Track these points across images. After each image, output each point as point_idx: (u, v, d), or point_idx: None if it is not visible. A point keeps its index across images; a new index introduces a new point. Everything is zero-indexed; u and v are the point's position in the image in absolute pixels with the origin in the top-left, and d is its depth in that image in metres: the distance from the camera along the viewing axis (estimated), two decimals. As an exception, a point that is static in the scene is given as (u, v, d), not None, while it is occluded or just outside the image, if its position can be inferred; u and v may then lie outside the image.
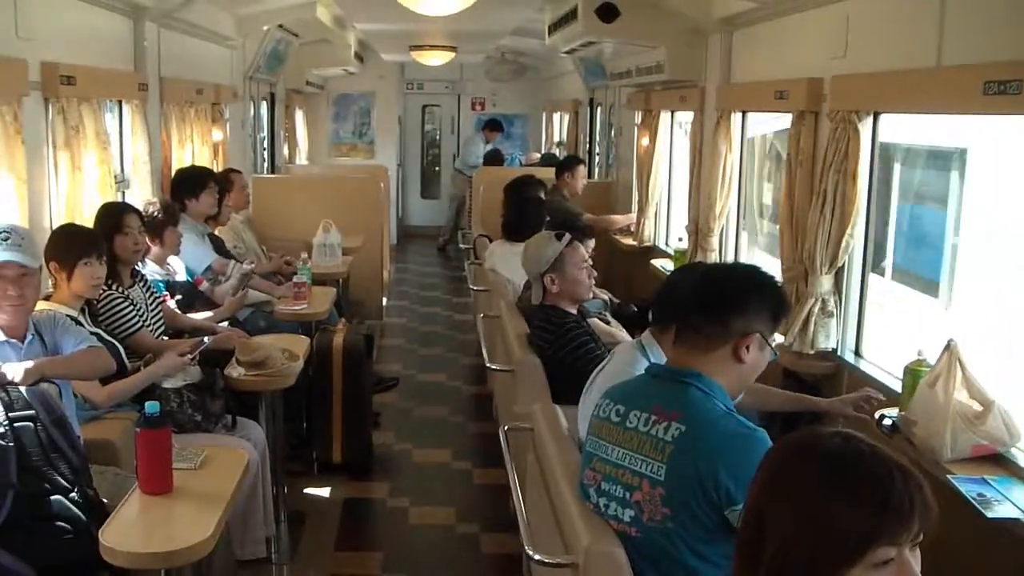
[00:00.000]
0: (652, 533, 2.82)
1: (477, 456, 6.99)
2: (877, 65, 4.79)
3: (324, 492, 6.21)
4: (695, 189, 7.73)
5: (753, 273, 3.11)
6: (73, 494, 3.53)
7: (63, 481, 3.52)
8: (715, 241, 7.31)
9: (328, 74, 15.30)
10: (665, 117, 9.11)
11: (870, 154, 4.99)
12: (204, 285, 6.55)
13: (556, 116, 16.35)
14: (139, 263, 5.50)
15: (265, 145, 11.97)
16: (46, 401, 3.60)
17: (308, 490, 6.21)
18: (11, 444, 3.41)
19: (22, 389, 3.55)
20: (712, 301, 2.97)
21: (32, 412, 3.52)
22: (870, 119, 4.93)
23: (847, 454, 1.79)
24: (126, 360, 4.77)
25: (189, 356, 4.74)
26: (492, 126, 16.56)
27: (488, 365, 5.64)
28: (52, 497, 3.47)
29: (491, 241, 8.31)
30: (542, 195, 8.41)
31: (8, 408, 3.47)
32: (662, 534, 2.80)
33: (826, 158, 5.10)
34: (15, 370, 3.61)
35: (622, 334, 5.74)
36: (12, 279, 3.82)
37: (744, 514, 1.89)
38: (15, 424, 3.45)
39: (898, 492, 1.73)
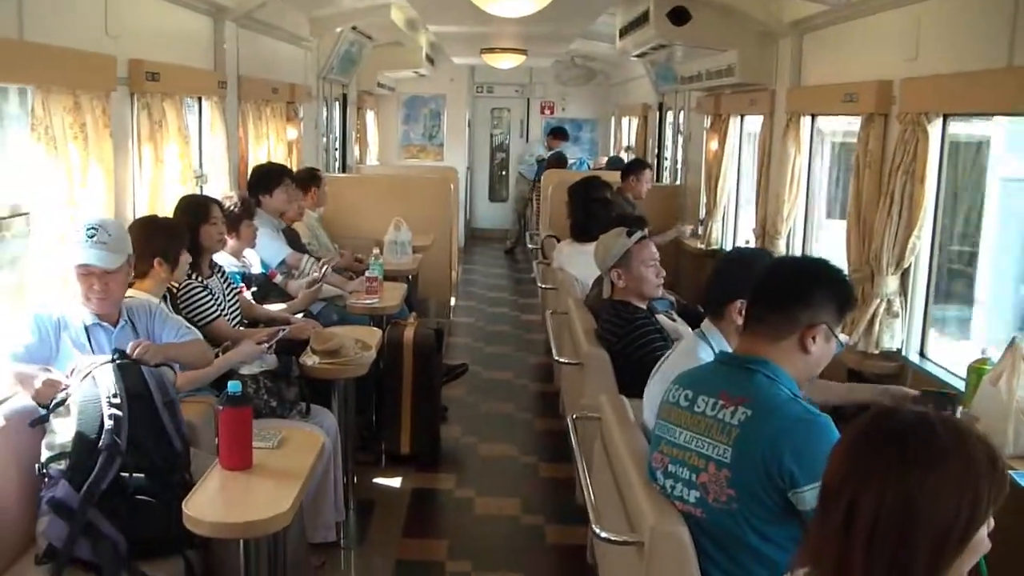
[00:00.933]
0: (717, 514, 2.89)
1: (543, 451, 7.08)
2: (947, 67, 4.82)
3: (392, 482, 6.33)
4: (763, 192, 7.76)
5: (820, 265, 3.15)
6: (172, 475, 3.67)
7: (165, 462, 3.68)
8: (782, 244, 7.34)
9: (399, 76, 15.45)
10: (734, 121, 9.14)
11: (939, 156, 5.01)
12: (278, 278, 6.71)
13: (625, 121, 16.37)
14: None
15: (337, 145, 12.13)
16: (162, 383, 3.78)
17: (377, 480, 6.33)
18: (125, 416, 3.57)
19: (143, 368, 3.71)
20: (778, 292, 3.04)
21: (148, 391, 3.68)
22: (939, 121, 4.96)
23: (955, 423, 1.86)
24: (205, 347, 4.94)
25: (266, 344, 4.89)
26: (556, 134, 16.66)
27: (556, 359, 5.72)
28: (153, 475, 3.63)
29: (559, 241, 8.40)
30: (608, 196, 8.47)
31: (127, 383, 3.62)
32: (727, 515, 2.87)
33: (894, 160, 5.14)
34: (145, 348, 3.81)
35: (688, 331, 5.79)
36: (98, 275, 3.99)
37: (833, 495, 1.89)
38: (131, 399, 3.62)
39: (1001, 457, 1.82)
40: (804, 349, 2.97)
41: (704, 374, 3.20)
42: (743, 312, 3.72)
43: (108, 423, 3.55)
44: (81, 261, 3.95)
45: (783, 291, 3.02)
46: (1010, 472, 3.53)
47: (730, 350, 3.70)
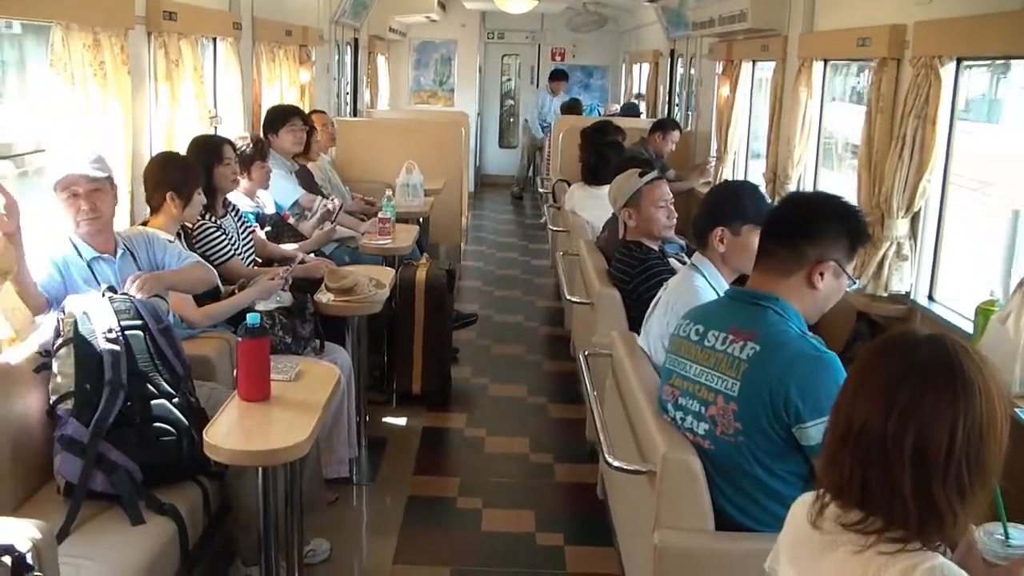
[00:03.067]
0: (724, 446, 2.96)
1: (552, 392, 7.15)
2: (961, 10, 4.82)
3: (403, 421, 6.41)
4: (775, 138, 7.77)
5: (832, 201, 3.13)
6: (177, 399, 3.74)
7: (168, 386, 3.74)
8: (792, 188, 7.36)
9: (410, 21, 15.39)
10: (746, 67, 9.13)
11: (951, 100, 5.03)
12: (291, 219, 6.75)
13: (636, 67, 16.33)
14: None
15: (348, 89, 12.13)
16: (155, 311, 3.82)
17: (388, 419, 6.41)
18: (122, 349, 3.63)
19: (134, 299, 3.77)
20: (788, 226, 3.05)
21: (142, 321, 3.74)
22: (952, 64, 4.96)
23: (961, 343, 1.90)
24: (220, 284, 4.99)
25: (281, 280, 4.94)
26: (556, 76, 16.64)
27: (568, 298, 5.79)
28: (157, 400, 3.70)
29: (570, 185, 8.44)
30: (620, 140, 8.50)
31: (121, 316, 3.68)
32: (734, 447, 2.94)
33: (906, 104, 5.15)
34: (143, 281, 3.91)
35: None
36: (84, 193, 4.02)
37: (880, 425, 1.88)
38: (126, 331, 3.67)
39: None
40: (812, 285, 2.99)
41: (715, 309, 3.26)
42: (723, 240, 3.85)
43: (107, 358, 3.61)
44: (64, 173, 3.99)
45: (793, 225, 3.03)
46: (1016, 410, 3.62)
47: (720, 278, 3.82)
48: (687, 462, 2.94)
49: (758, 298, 3.05)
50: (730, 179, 8.32)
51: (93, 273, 4.03)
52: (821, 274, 2.98)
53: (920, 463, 1.82)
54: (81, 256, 4.06)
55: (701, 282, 3.94)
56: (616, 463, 3.28)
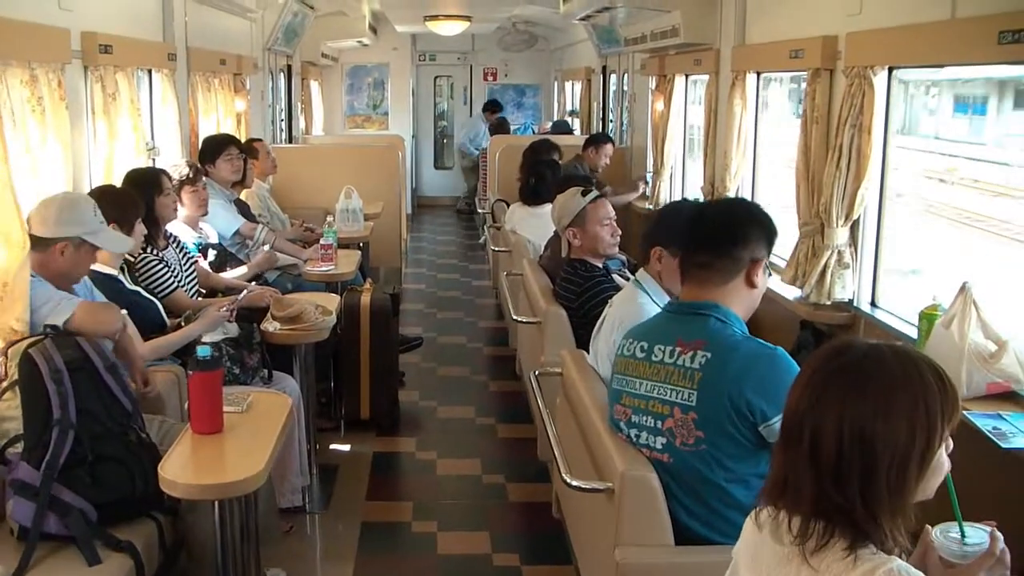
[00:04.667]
0: (686, 457, 3.00)
1: (500, 412, 7.16)
2: (892, 20, 4.90)
3: (353, 447, 6.39)
4: (710, 150, 7.85)
5: (745, 204, 3.44)
6: (128, 436, 3.71)
7: (117, 424, 3.71)
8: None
9: (342, 46, 15.36)
10: (679, 81, 9.22)
11: (885, 108, 5.11)
12: (232, 249, 6.73)
13: (568, 85, 16.43)
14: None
15: (283, 116, 12.10)
16: (100, 349, 3.79)
17: (337, 446, 6.39)
18: (68, 387, 3.59)
19: (78, 338, 3.74)
20: (719, 236, 3.16)
21: (87, 360, 3.71)
22: (885, 73, 5.04)
23: (904, 351, 1.94)
24: (166, 317, 4.96)
25: (228, 311, 4.92)
26: (491, 107, 16.88)
27: (514, 318, 5.80)
28: (108, 439, 3.65)
29: (508, 205, 8.48)
30: (556, 159, 8.56)
31: (65, 354, 3.64)
32: (696, 457, 2.98)
33: (841, 114, 5.22)
34: None
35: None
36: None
37: (796, 428, 1.95)
38: (72, 370, 3.63)
39: (949, 378, 1.91)
40: (751, 284, 3.13)
41: (656, 324, 3.32)
42: (660, 259, 3.95)
43: (54, 399, 3.55)
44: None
45: (723, 234, 3.15)
46: (964, 412, 3.69)
47: (663, 294, 3.90)
48: (646, 478, 2.98)
49: (697, 308, 3.13)
50: (681, 198, 8.36)
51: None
52: (757, 273, 3.13)
53: (816, 459, 1.89)
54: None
55: (644, 299, 4.01)
56: (574, 482, 3.30)
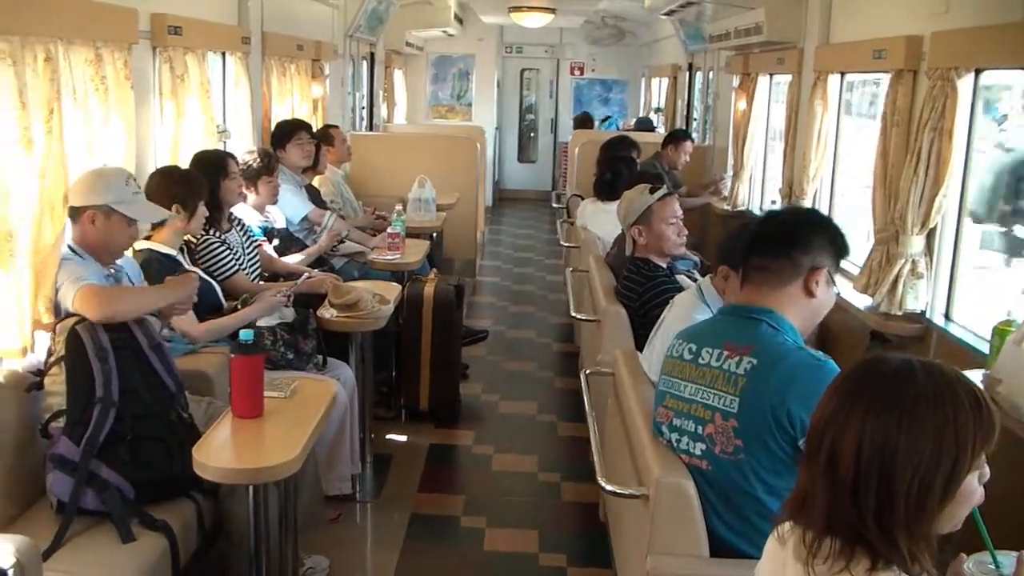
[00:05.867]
0: (724, 466, 2.89)
1: (562, 409, 7.08)
2: (979, 20, 4.74)
3: (410, 437, 6.37)
4: (790, 152, 7.70)
5: (814, 213, 3.27)
6: (169, 416, 3.71)
7: (159, 404, 3.71)
8: (808, 205, 7.27)
9: (427, 36, 15.38)
10: (762, 80, 9.07)
11: (969, 112, 4.93)
12: (300, 235, 6.74)
13: (656, 81, 16.29)
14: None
15: (364, 104, 12.12)
16: (146, 329, 3.79)
17: (394, 436, 6.37)
18: (113, 365, 3.59)
19: None
20: (779, 238, 3.03)
21: (132, 339, 3.72)
22: (970, 76, 4.86)
23: (938, 368, 1.83)
24: (223, 299, 4.97)
25: (284, 297, 4.91)
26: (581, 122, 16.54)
27: (574, 315, 5.73)
28: (149, 418, 3.67)
29: (583, 200, 8.40)
30: (634, 156, 8.46)
31: (111, 333, 3.65)
32: (734, 467, 2.87)
33: (922, 117, 5.06)
34: None
35: (692, 288, 5.80)
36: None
37: (817, 440, 1.89)
38: (117, 349, 3.64)
39: (987, 402, 1.80)
40: (809, 293, 2.97)
41: (707, 326, 3.21)
42: (727, 279, 3.81)
43: (98, 376, 3.57)
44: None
45: (784, 237, 3.02)
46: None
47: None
48: (681, 486, 2.88)
49: (751, 312, 3.00)
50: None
51: None
52: (817, 282, 2.97)
53: (833, 473, 1.82)
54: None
55: (702, 312, 3.88)
56: (609, 487, 3.23)
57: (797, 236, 2.99)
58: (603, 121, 16.51)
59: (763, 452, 2.83)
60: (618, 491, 3.21)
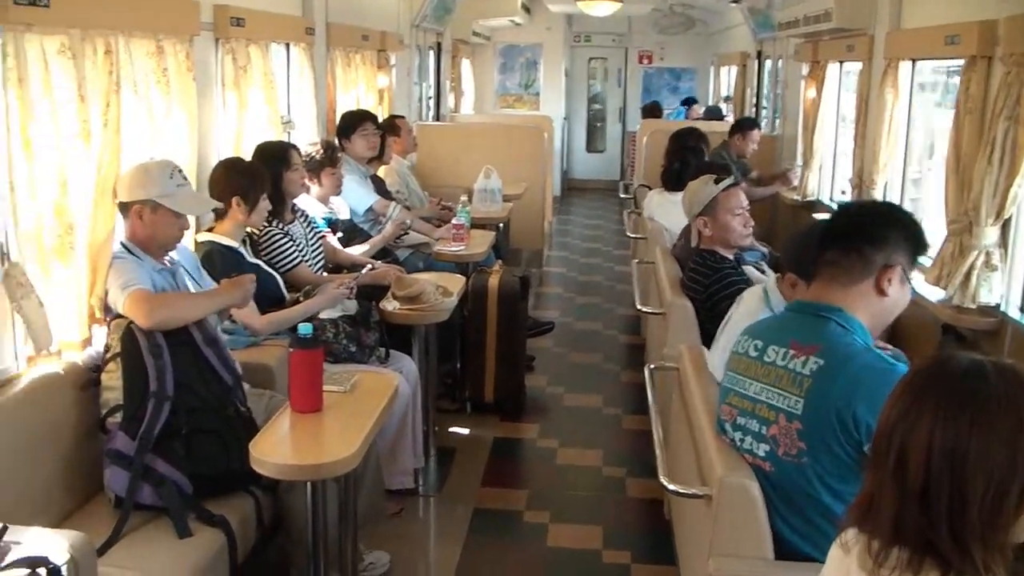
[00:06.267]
0: (786, 468, 2.80)
1: (628, 402, 7.00)
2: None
3: (474, 430, 6.32)
4: (860, 141, 7.54)
5: (891, 207, 3.11)
6: (226, 410, 3.70)
7: (215, 397, 3.70)
8: (879, 194, 7.12)
9: (495, 25, 15.36)
10: (832, 68, 8.90)
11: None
12: (365, 226, 6.71)
13: (724, 70, 16.12)
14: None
15: (431, 94, 12.10)
16: (201, 323, 3.77)
17: (458, 428, 6.33)
18: (167, 360, 3.58)
19: None
20: (852, 233, 2.90)
21: (186, 333, 3.71)
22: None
23: (1012, 370, 1.75)
24: (285, 291, 4.95)
25: (346, 289, 4.88)
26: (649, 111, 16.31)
27: (640, 308, 5.65)
28: (205, 412, 3.65)
29: (650, 190, 8.31)
30: (703, 148, 8.34)
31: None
32: (796, 469, 2.78)
33: (996, 104, 4.91)
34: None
35: (758, 290, 5.68)
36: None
37: (884, 441, 1.80)
38: (171, 343, 3.63)
39: None
40: (881, 292, 2.85)
41: (773, 323, 3.12)
42: (795, 287, 3.65)
43: (152, 371, 3.56)
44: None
45: (857, 231, 2.89)
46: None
47: None
48: (745, 486, 2.79)
49: (820, 309, 2.89)
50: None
51: (153, 284, 3.97)
52: (890, 279, 2.85)
53: (902, 478, 1.74)
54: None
55: (765, 316, 3.74)
56: (672, 486, 3.15)
57: (870, 231, 2.87)
58: (683, 104, 16.23)
59: (827, 456, 2.73)
60: (681, 490, 3.13)
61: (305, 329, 3.53)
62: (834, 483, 2.75)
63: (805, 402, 2.76)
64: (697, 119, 13.54)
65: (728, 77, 15.64)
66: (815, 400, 2.74)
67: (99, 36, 3.84)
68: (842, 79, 8.99)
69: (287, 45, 6.57)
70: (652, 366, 4.29)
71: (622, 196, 11.82)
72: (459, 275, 6.15)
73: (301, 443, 3.47)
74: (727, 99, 15.35)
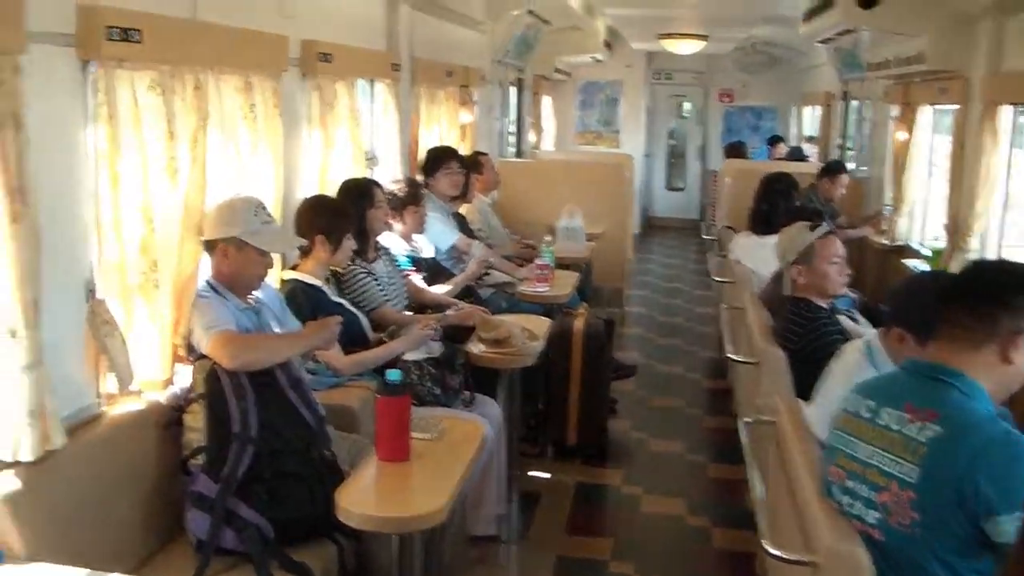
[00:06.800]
0: (898, 538, 2.64)
1: (712, 450, 6.86)
2: None
3: (557, 475, 6.19)
4: (955, 186, 7.33)
5: None
6: (310, 453, 3.62)
7: (300, 440, 3.62)
8: (975, 242, 6.90)
9: (576, 62, 15.27)
10: (923, 111, 8.70)
11: None
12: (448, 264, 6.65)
13: (807, 110, 15.91)
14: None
15: (512, 130, 12.05)
16: (285, 365, 3.71)
17: (540, 472, 6.21)
18: (251, 402, 3.53)
19: None
20: (982, 294, 2.73)
21: (271, 375, 3.66)
22: None
23: None
24: (369, 331, 4.88)
25: (432, 330, 4.80)
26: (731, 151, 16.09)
27: (730, 356, 5.50)
28: (289, 455, 3.58)
29: (736, 233, 8.16)
30: (792, 191, 8.18)
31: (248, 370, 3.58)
32: (908, 540, 2.62)
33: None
34: None
35: (858, 344, 5.50)
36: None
37: None
38: (255, 384, 3.57)
39: None
40: (1006, 360, 2.67)
41: (889, 383, 2.94)
42: (903, 342, 3.47)
43: (235, 412, 3.51)
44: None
45: (988, 292, 2.72)
46: None
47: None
48: (855, 556, 2.62)
49: (939, 372, 2.71)
50: (934, 269, 7.65)
51: (236, 324, 3.91)
52: (1016, 347, 2.67)
53: None
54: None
55: (869, 375, 3.55)
56: (775, 551, 2.99)
57: (1005, 294, 2.70)
58: (769, 143, 15.96)
59: (942, 529, 2.57)
60: (784, 556, 2.98)
61: (394, 375, 3.45)
62: (949, 557, 2.59)
63: (921, 471, 2.60)
64: (779, 159, 13.36)
65: (811, 116, 15.43)
66: (932, 469, 2.58)
67: (189, 72, 3.82)
68: (935, 121, 8.77)
69: (371, 80, 6.53)
70: (749, 419, 4.14)
71: (705, 237, 11.67)
72: (544, 316, 6.04)
73: (388, 494, 3.39)
74: (810, 139, 15.14)
